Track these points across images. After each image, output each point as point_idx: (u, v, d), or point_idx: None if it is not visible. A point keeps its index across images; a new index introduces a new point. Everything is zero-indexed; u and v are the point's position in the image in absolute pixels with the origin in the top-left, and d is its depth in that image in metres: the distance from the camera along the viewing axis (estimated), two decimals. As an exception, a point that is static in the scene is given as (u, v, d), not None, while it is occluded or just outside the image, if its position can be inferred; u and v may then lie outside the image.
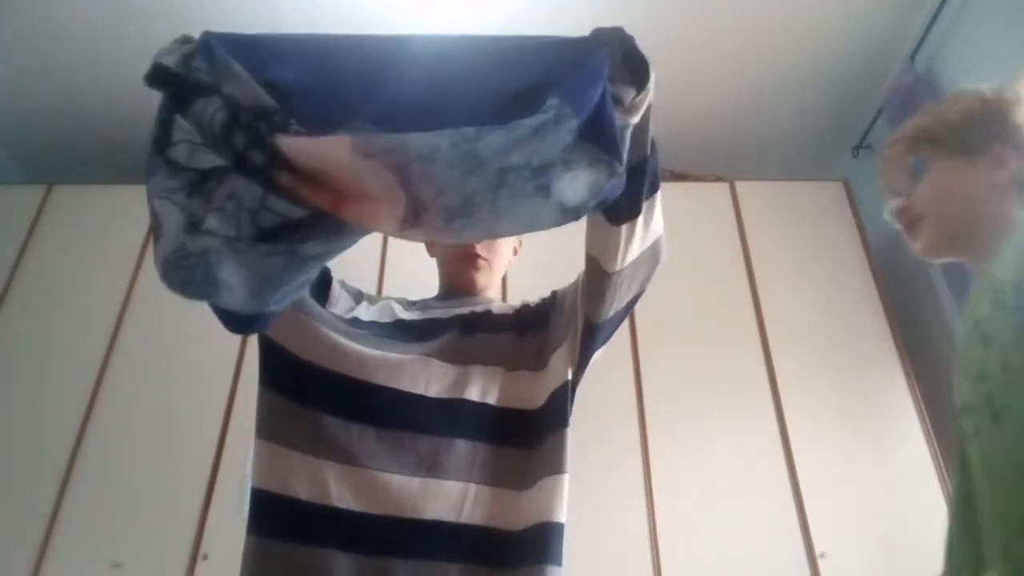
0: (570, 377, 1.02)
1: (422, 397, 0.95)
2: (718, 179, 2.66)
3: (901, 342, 2.25)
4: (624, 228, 0.85)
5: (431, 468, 0.91)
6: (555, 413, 1.00)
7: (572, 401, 1.03)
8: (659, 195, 0.87)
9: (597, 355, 1.03)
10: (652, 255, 0.92)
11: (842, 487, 2.02)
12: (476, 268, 1.15)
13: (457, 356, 1.00)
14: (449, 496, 0.91)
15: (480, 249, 1.14)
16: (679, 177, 2.77)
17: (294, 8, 2.40)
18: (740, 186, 2.57)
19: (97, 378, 2.22)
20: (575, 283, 1.04)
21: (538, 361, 1.03)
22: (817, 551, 1.91)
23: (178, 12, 2.39)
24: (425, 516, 0.88)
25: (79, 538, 1.99)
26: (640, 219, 0.85)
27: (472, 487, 0.92)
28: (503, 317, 1.10)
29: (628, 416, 2.13)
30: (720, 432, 2.11)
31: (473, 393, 0.98)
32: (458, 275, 1.17)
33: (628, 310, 0.99)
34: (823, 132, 2.92)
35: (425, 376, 0.97)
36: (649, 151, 0.81)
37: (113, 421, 2.16)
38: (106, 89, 2.72)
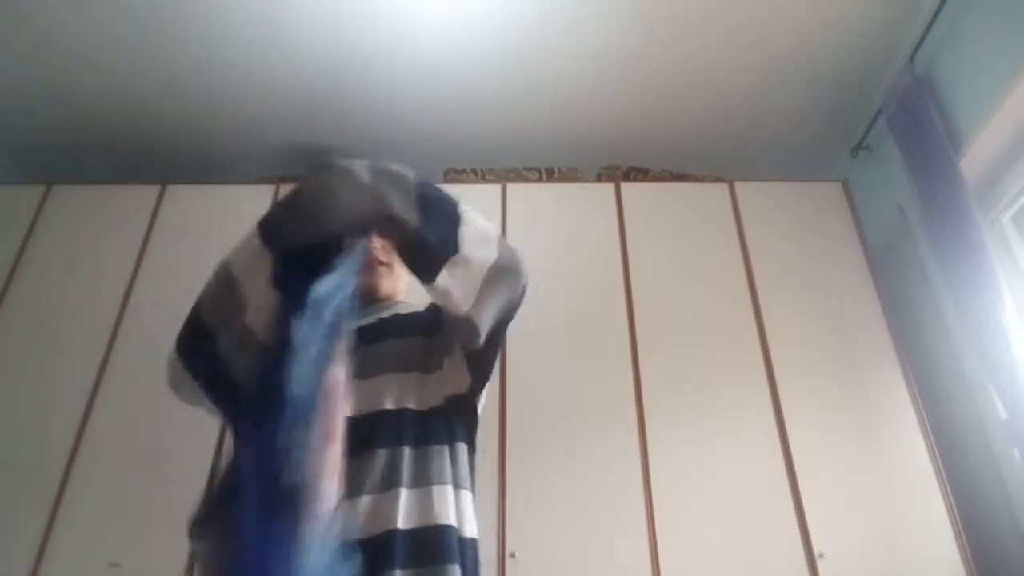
0: (466, 390, 1.03)
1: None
2: (718, 179, 2.66)
3: (900, 343, 2.25)
4: (436, 284, 0.90)
5: (359, 487, 0.90)
6: (452, 417, 1.01)
7: (472, 419, 1.05)
8: (462, 252, 0.90)
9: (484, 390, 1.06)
10: (497, 282, 0.94)
11: (841, 487, 2.02)
12: (376, 274, 1.14)
13: (367, 369, 0.99)
14: (381, 506, 0.90)
15: (379, 254, 1.14)
16: (679, 177, 2.77)
17: (294, 7, 2.40)
18: (740, 186, 2.57)
19: (96, 378, 2.22)
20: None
21: (440, 362, 1.04)
22: (816, 551, 1.91)
23: (178, 12, 2.39)
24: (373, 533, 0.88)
25: (78, 538, 1.99)
26: (443, 274, 0.89)
27: (402, 491, 0.91)
28: (411, 318, 1.10)
29: (627, 415, 2.13)
30: (719, 432, 2.11)
31: (389, 402, 0.98)
32: (362, 284, 1.16)
33: (503, 327, 1.01)
34: (822, 133, 2.92)
35: None
36: (415, 226, 0.87)
37: (112, 421, 2.16)
38: (106, 89, 2.72)
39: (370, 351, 1.01)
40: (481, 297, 0.93)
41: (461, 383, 1.03)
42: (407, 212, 0.85)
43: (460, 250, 0.90)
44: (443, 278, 0.89)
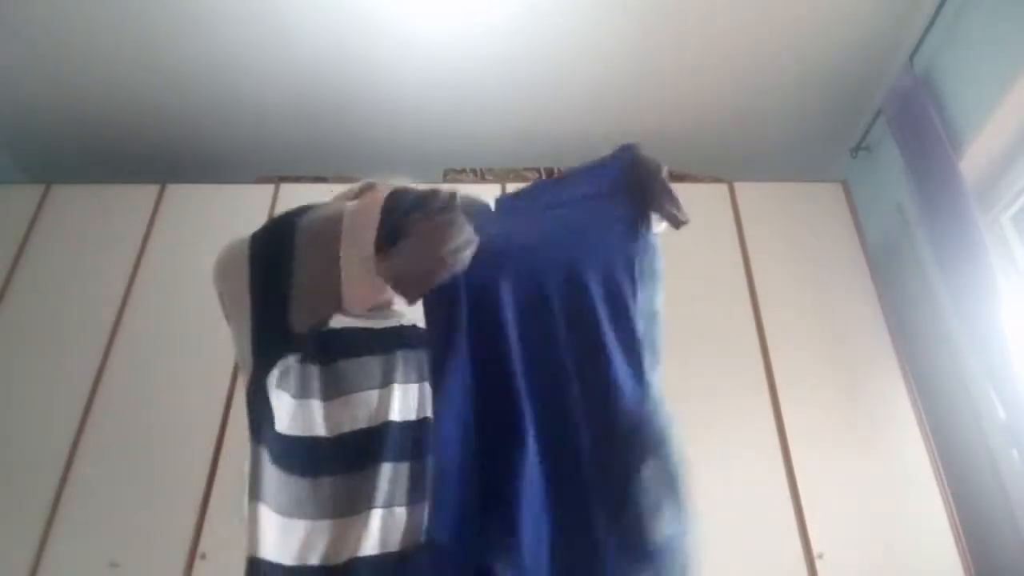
0: None
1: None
2: (717, 180, 2.66)
3: (899, 343, 2.25)
4: None
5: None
6: None
7: None
8: None
9: None
10: None
11: (840, 487, 2.02)
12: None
13: (382, 379, 0.99)
14: (375, 522, 0.89)
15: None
16: (678, 177, 2.77)
17: (294, 7, 2.40)
18: (739, 187, 2.57)
19: (95, 378, 2.22)
20: None
21: None
22: (815, 552, 1.92)
23: (178, 12, 2.39)
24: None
25: (77, 537, 1.99)
26: None
27: (396, 510, 0.90)
28: (413, 330, 1.09)
29: (627, 416, 2.13)
30: (718, 431, 2.11)
31: (395, 414, 0.97)
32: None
33: None
34: (822, 133, 2.92)
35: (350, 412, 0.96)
36: None
37: (111, 420, 2.16)
38: (105, 89, 2.72)
39: (410, 357, 1.03)
40: None
41: None
42: None
43: None
44: None
